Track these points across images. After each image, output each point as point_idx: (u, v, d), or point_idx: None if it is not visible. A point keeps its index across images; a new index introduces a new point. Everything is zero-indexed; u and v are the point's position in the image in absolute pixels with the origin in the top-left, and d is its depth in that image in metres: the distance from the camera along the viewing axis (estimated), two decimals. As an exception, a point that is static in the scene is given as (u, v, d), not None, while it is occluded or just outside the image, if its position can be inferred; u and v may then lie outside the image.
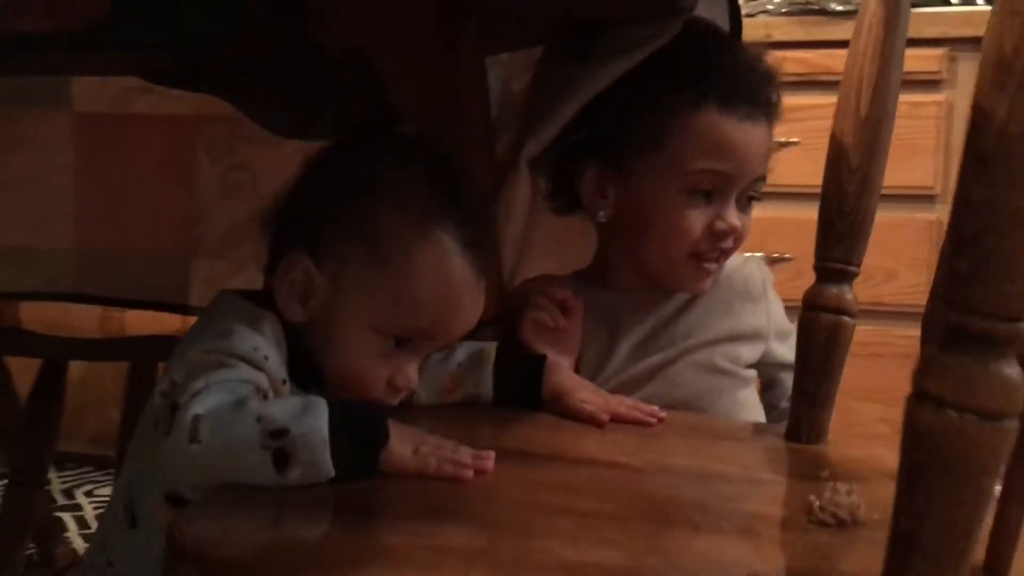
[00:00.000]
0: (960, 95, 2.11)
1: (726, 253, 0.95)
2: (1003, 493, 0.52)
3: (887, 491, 0.68)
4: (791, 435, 0.80)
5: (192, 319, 1.44)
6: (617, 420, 0.82)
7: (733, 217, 0.93)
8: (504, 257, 0.91)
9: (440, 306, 0.73)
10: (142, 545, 0.72)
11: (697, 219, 0.92)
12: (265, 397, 0.66)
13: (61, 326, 1.47)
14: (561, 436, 0.78)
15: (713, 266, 0.95)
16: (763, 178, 0.96)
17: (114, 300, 1.37)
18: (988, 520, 0.48)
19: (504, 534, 0.55)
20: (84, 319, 1.67)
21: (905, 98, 0.83)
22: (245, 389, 0.64)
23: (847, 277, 0.79)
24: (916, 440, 0.42)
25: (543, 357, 0.86)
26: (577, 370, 0.89)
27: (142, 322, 1.45)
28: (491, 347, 0.86)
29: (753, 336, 0.96)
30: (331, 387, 0.73)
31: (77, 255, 1.34)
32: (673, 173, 0.92)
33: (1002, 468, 0.43)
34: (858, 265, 0.79)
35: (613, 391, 0.86)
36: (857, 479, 0.70)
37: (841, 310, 0.79)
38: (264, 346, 0.70)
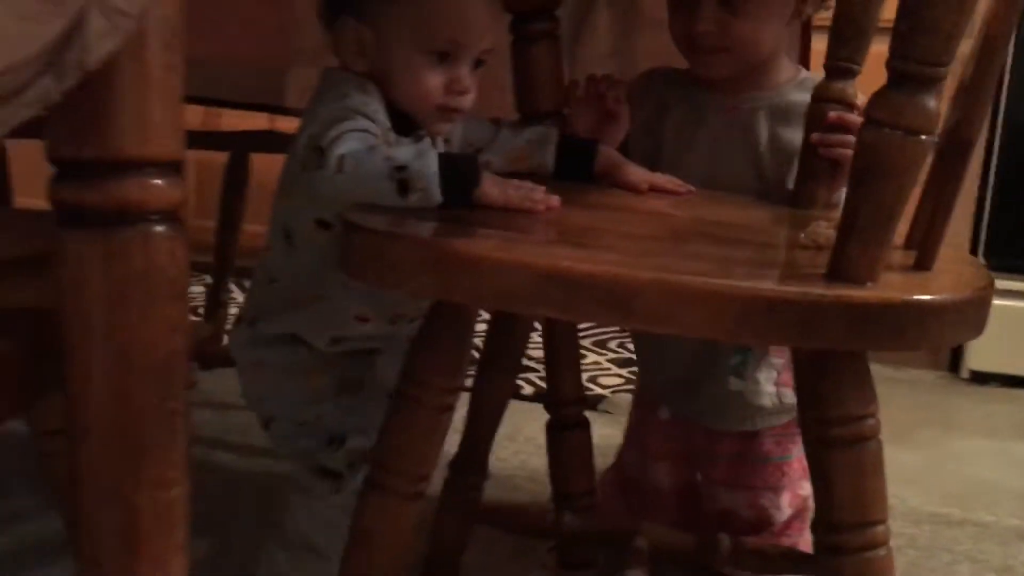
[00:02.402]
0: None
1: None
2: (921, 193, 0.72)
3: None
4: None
5: (283, 119, 1.65)
6: (654, 189, 1.02)
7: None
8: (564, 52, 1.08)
9: (455, 10, 0.92)
10: (300, 259, 0.97)
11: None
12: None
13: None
14: (615, 196, 0.99)
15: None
16: None
17: (215, 101, 1.56)
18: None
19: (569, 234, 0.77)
20: (188, 117, 1.84)
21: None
22: (372, 139, 0.85)
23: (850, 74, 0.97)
24: (863, 152, 0.62)
25: (596, 141, 1.05)
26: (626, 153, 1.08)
27: (236, 121, 1.66)
28: (554, 130, 1.06)
29: None
30: (408, 113, 0.93)
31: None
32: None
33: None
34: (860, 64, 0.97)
35: None
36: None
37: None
38: (371, 103, 0.90)
